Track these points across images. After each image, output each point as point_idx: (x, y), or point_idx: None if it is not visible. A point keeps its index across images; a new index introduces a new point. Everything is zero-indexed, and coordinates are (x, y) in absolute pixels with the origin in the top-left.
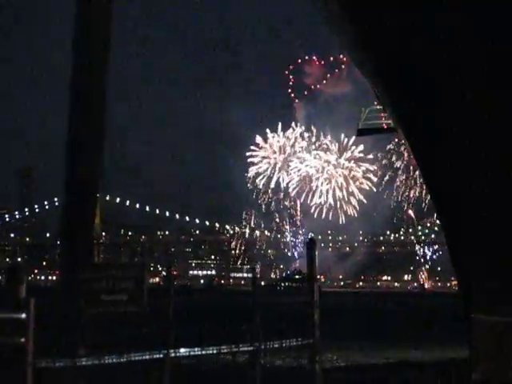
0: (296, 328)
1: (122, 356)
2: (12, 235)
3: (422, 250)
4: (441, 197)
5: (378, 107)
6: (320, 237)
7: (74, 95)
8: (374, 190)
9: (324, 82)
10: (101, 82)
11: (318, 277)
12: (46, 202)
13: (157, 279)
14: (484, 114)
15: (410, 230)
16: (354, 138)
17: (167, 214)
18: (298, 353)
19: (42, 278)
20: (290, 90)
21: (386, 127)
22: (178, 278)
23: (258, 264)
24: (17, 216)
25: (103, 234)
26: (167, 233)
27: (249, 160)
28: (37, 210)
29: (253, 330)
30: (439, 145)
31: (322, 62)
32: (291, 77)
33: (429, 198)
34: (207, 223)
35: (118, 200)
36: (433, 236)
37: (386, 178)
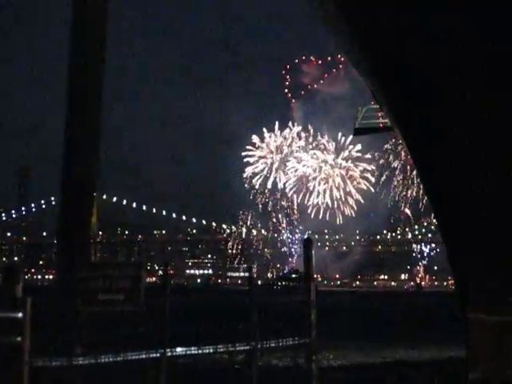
0: (293, 327)
1: (119, 355)
2: (9, 234)
3: (418, 249)
4: (438, 197)
5: (375, 106)
6: (317, 236)
7: (70, 95)
8: (372, 189)
9: (321, 81)
10: (97, 81)
11: (315, 276)
12: (42, 202)
13: (153, 278)
14: (482, 114)
15: (407, 229)
16: (351, 137)
17: (164, 213)
18: (294, 352)
19: (39, 277)
20: (286, 90)
21: (382, 126)
22: (175, 277)
23: (254, 263)
24: (14, 215)
25: (100, 233)
26: (164, 232)
27: (245, 160)
28: (34, 210)
29: (249, 329)
30: (436, 144)
31: (320, 62)
32: (288, 76)
33: (426, 198)
34: (204, 222)
35: (114, 199)
36: (429, 235)
37: (383, 177)
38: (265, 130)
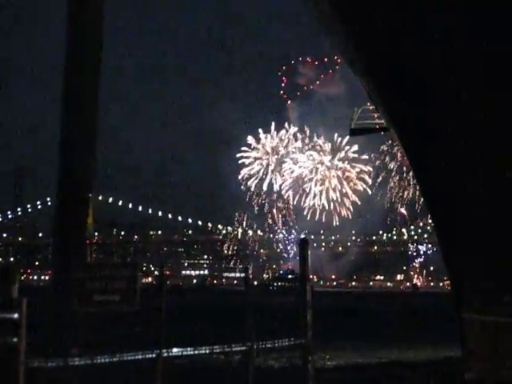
0: (288, 328)
1: (115, 356)
2: (4, 235)
3: (414, 250)
4: (434, 197)
5: (371, 107)
6: (313, 236)
7: (66, 95)
8: (368, 190)
9: (317, 82)
10: (93, 81)
11: (311, 277)
12: (38, 202)
13: (149, 279)
14: (477, 114)
15: (403, 230)
16: (347, 138)
17: (160, 213)
18: (290, 353)
19: (35, 277)
20: (282, 91)
21: (378, 127)
22: (171, 278)
23: (250, 264)
24: (9, 216)
25: (96, 233)
26: (160, 233)
27: (240, 161)
28: (29, 210)
29: (245, 329)
30: (431, 144)
31: (316, 63)
32: (284, 77)
33: (422, 199)
34: (200, 223)
35: (110, 200)
36: (425, 236)
37: (380, 179)
38: (260, 131)
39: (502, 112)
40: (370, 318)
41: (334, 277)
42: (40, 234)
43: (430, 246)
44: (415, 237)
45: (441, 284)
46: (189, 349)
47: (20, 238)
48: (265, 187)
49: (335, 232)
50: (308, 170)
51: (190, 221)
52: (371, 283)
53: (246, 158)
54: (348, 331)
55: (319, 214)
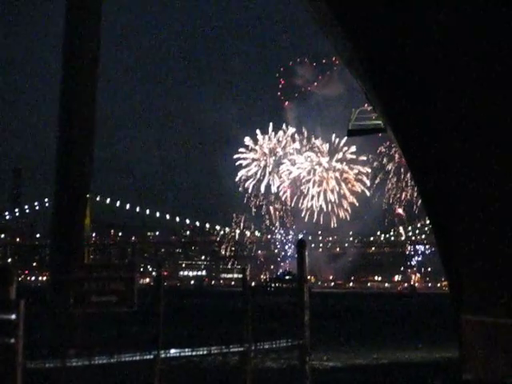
0: (286, 329)
1: (112, 357)
2: (2, 236)
3: (412, 250)
4: (432, 198)
5: (369, 108)
6: (310, 237)
7: (63, 95)
8: (366, 191)
9: (315, 83)
10: (91, 82)
11: (309, 277)
12: (36, 203)
13: (147, 280)
14: (477, 115)
15: (401, 231)
16: (345, 139)
17: (157, 214)
18: (288, 354)
19: (33, 278)
20: (279, 93)
21: (376, 128)
22: (169, 279)
23: (248, 265)
24: (7, 216)
25: (93, 234)
26: (157, 233)
27: (238, 163)
28: (27, 211)
29: (243, 330)
30: (429, 146)
31: (314, 64)
32: (281, 79)
33: (420, 200)
34: (197, 224)
35: (108, 201)
36: (423, 236)
37: (378, 180)
38: (258, 132)
39: (502, 113)
40: (367, 319)
41: (331, 278)
42: (37, 235)
43: (427, 246)
44: (413, 238)
45: (438, 285)
46: (186, 350)
47: (17, 239)
48: (262, 188)
49: (333, 233)
50: (306, 172)
51: (187, 221)
52: (369, 284)
53: (244, 159)
54: (345, 332)
55: (317, 216)
